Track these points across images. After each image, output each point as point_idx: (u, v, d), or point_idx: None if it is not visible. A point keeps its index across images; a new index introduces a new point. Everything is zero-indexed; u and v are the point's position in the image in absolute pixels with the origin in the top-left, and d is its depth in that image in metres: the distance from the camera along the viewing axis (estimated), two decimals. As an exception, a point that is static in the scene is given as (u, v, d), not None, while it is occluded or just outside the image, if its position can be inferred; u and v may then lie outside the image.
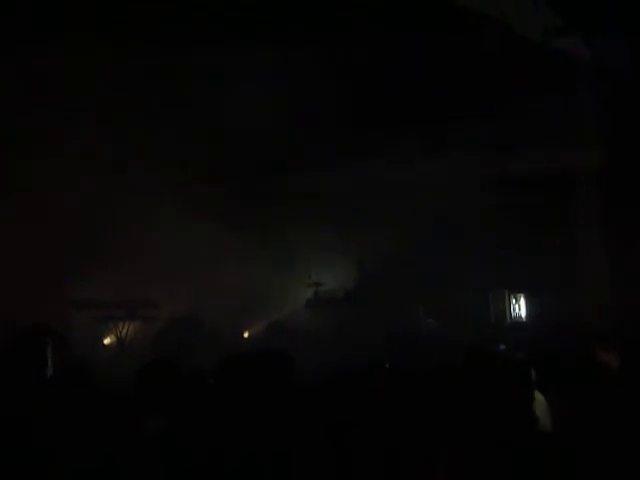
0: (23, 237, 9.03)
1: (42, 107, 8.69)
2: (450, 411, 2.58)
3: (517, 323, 10.66)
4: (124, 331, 9.74)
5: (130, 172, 9.33)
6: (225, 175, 10.13)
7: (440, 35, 9.31)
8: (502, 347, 7.31)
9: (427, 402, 2.64)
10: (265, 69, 9.43)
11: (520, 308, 10.82)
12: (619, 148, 9.98)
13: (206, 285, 9.77)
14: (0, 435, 2.74)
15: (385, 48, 9.35)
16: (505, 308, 10.78)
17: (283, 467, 2.36)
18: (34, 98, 8.71)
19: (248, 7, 8.92)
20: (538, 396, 2.96)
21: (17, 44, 8.43)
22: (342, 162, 10.30)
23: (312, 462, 2.34)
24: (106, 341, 9.98)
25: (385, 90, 9.86)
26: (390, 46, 9.31)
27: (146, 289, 9.61)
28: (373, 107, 9.92)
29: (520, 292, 10.80)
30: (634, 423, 2.53)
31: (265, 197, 10.49)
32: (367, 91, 9.77)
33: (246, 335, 10.72)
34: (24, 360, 6.59)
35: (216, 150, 9.94)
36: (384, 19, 9.19)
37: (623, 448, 2.42)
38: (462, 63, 9.51)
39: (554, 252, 10.49)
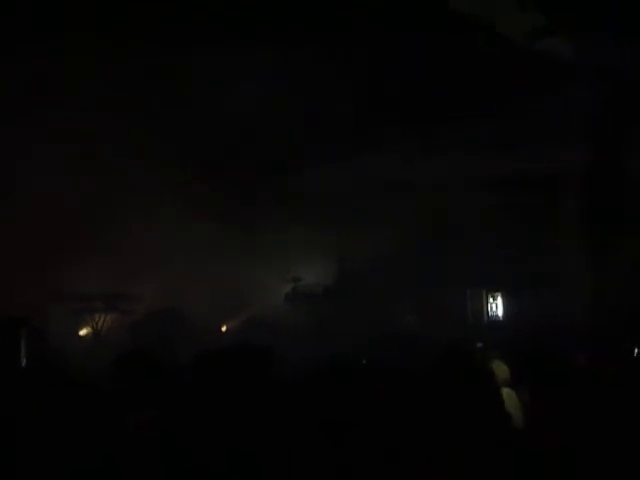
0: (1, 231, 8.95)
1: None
2: (427, 408, 2.61)
3: (494, 322, 10.78)
4: (101, 323, 9.68)
5: (116, 169, 9.28)
6: (208, 173, 10.13)
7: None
8: (479, 345, 7.38)
9: (405, 399, 2.66)
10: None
11: (497, 307, 10.94)
12: (611, 150, 10.12)
13: (185, 279, 9.75)
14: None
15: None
16: (482, 307, 10.89)
17: (262, 461, 2.37)
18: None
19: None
20: (511, 393, 3.00)
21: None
22: (329, 161, 10.33)
23: (291, 456, 2.36)
24: (82, 333, 9.91)
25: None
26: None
27: (125, 282, 9.56)
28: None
29: (497, 291, 10.91)
30: (608, 421, 2.58)
31: (247, 195, 10.49)
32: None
33: (224, 329, 10.70)
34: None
35: (200, 148, 9.94)
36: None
37: (596, 445, 2.47)
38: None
39: (532, 252, 10.60)
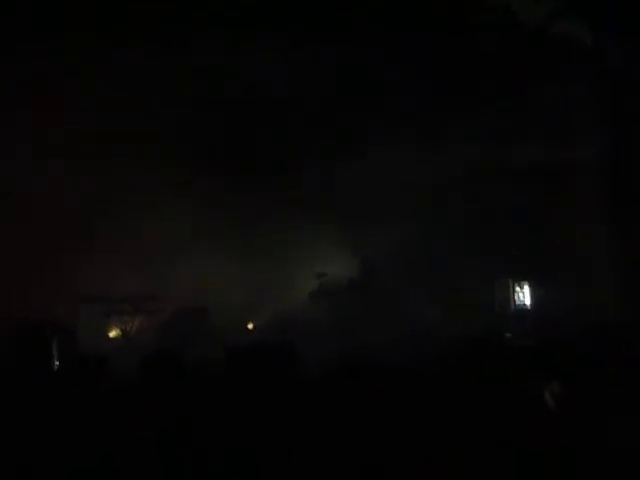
0: (28, 234, 9.11)
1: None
2: (456, 405, 2.58)
3: (521, 311, 10.66)
4: (129, 325, 9.78)
5: (131, 167, 9.37)
6: (228, 168, 10.18)
7: (440, 29, 9.28)
8: (507, 335, 7.32)
9: (430, 393, 2.64)
10: (265, 68, 9.44)
11: (524, 296, 10.81)
12: (624, 141, 9.96)
13: (210, 277, 9.80)
14: (9, 426, 2.77)
15: (385, 42, 9.34)
16: (509, 296, 10.77)
17: (282, 455, 2.38)
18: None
19: (248, 7, 8.89)
20: (540, 384, 2.96)
21: (17, 44, 8.42)
22: (345, 156, 10.32)
23: (311, 452, 2.36)
24: (111, 335, 10.03)
25: (385, 87, 9.88)
26: (390, 40, 9.29)
27: (151, 282, 9.66)
28: (374, 103, 9.93)
29: (524, 280, 10.78)
30: (636, 412, 2.54)
31: (270, 189, 10.52)
32: (367, 87, 9.79)
33: (250, 327, 10.74)
34: (30, 355, 6.63)
35: (220, 143, 10.00)
36: (388, 8, 9.16)
37: (626, 435, 2.43)
38: (463, 58, 9.50)
39: (559, 240, 10.47)
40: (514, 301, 10.79)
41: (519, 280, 10.80)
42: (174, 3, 8.84)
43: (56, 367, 6.69)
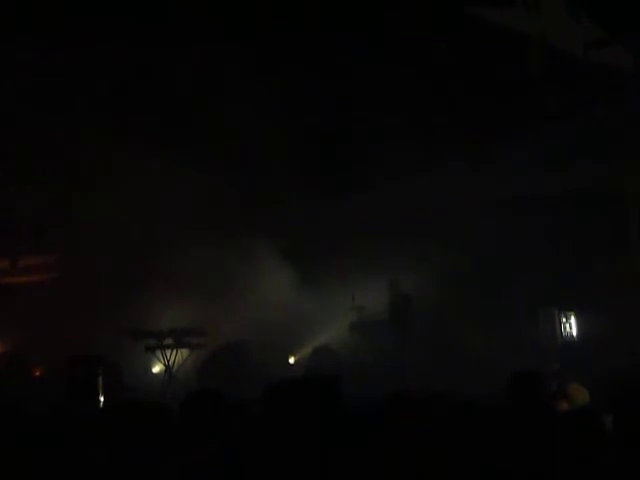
0: (76, 271, 9.36)
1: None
2: (502, 439, 2.53)
3: (568, 343, 10.37)
4: (172, 359, 9.87)
5: (173, 201, 9.60)
6: (262, 201, 10.32)
7: (489, 52, 9.33)
8: (555, 367, 7.14)
9: (475, 428, 2.60)
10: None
11: (571, 327, 10.52)
12: None
13: (252, 311, 9.86)
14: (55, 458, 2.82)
15: (440, 65, 9.42)
16: (555, 327, 10.50)
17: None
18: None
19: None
20: (590, 417, 2.87)
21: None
22: (386, 184, 10.33)
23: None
24: (155, 369, 10.13)
25: (431, 107, 9.92)
26: (445, 64, 9.37)
27: (194, 318, 9.77)
28: (416, 124, 9.98)
29: (571, 310, 10.51)
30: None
31: (307, 225, 10.58)
32: (412, 108, 9.84)
33: (292, 360, 10.72)
34: (77, 389, 6.75)
35: (256, 178, 10.15)
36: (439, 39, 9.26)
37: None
38: (514, 78, 9.51)
39: (606, 269, 10.22)
40: (560, 332, 10.51)
41: (565, 311, 10.54)
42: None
43: (101, 399, 6.80)
